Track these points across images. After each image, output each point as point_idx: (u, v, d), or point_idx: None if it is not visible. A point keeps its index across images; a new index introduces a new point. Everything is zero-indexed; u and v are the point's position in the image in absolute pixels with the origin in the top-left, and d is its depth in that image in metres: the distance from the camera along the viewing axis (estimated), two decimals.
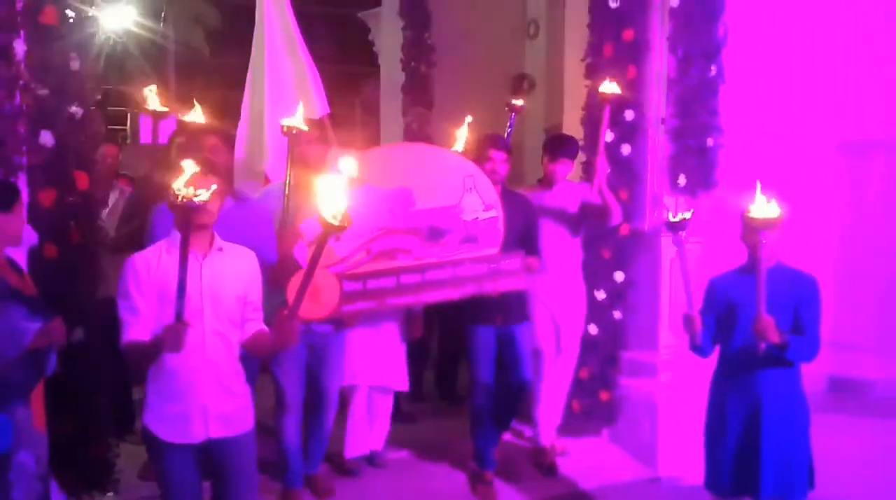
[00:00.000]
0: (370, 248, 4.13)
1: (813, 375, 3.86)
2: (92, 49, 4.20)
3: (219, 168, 3.31)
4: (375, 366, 4.70)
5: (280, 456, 4.28)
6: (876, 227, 6.09)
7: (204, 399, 2.94)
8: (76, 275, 4.01)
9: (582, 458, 5.10)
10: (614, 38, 5.31)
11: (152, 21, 16.66)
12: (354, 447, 4.77)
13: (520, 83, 8.69)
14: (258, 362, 3.95)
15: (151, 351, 2.85)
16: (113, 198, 5.25)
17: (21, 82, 3.78)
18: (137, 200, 4.74)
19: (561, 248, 4.85)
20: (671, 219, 3.58)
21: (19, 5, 3.79)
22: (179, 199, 2.64)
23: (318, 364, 4.32)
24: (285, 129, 3.97)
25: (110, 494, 4.12)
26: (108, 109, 18.10)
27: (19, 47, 3.79)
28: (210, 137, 4.12)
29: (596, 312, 5.24)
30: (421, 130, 7.60)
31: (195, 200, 2.64)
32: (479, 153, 4.55)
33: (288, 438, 4.25)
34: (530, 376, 4.68)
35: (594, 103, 5.32)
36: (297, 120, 3.98)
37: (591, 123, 5.32)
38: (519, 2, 8.76)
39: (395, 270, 4.16)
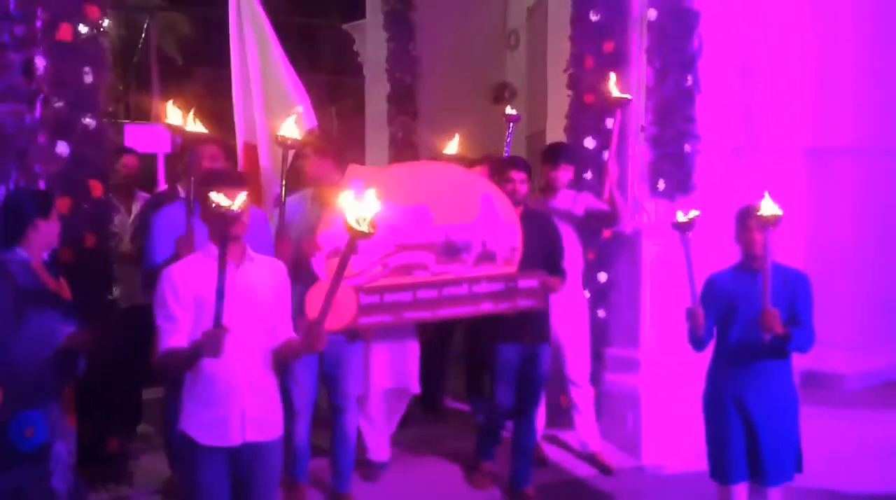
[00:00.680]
0: (387, 262, 4.15)
1: None
2: (106, 63, 4.31)
3: (247, 179, 3.33)
4: (390, 369, 4.71)
5: (288, 454, 4.29)
6: (842, 230, 6.29)
7: (242, 402, 2.97)
8: (89, 278, 4.12)
9: (570, 449, 5.32)
10: (595, 51, 5.54)
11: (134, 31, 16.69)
12: (378, 451, 4.83)
13: (501, 92, 8.97)
14: None
15: (190, 357, 2.88)
16: (135, 209, 5.22)
17: (41, 96, 3.96)
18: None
19: (569, 255, 4.80)
20: (679, 219, 3.62)
21: (38, 23, 3.96)
22: (216, 210, 2.72)
23: (334, 373, 4.36)
24: (279, 139, 3.96)
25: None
26: None
27: (40, 62, 3.96)
28: (209, 146, 4.09)
29: None
30: (406, 139, 7.83)
31: (232, 210, 2.71)
32: (499, 176, 4.53)
33: (298, 437, 4.31)
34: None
35: (577, 113, 5.62)
36: (291, 130, 3.96)
37: (575, 131, 5.59)
38: (500, 14, 9.05)
39: (411, 284, 4.19)
